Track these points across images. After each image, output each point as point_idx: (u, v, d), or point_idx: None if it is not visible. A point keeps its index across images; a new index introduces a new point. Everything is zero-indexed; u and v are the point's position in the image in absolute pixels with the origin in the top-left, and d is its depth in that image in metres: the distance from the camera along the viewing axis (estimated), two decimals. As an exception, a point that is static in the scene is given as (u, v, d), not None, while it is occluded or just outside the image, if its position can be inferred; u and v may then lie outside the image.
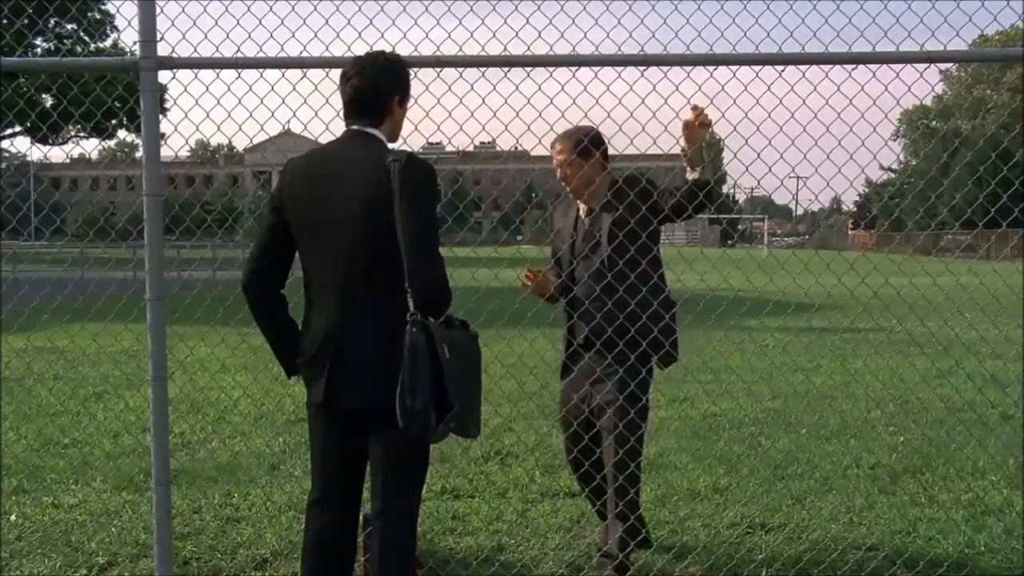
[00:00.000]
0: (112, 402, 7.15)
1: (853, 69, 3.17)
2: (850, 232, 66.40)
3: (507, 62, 3.11)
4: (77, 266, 21.54)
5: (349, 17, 3.44)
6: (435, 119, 3.50)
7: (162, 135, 3.31)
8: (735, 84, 3.26)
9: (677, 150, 3.53)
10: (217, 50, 3.15)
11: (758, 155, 3.40)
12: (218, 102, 3.42)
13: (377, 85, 2.72)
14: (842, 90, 3.26)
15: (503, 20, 3.38)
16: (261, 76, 3.29)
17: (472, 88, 3.44)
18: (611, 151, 3.77)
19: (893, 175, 63.21)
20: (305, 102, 3.35)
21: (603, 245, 3.65)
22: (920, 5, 3.33)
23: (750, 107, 3.35)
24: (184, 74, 3.27)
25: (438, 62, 3.10)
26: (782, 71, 3.16)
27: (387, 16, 3.46)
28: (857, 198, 66.27)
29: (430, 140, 4.41)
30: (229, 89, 3.34)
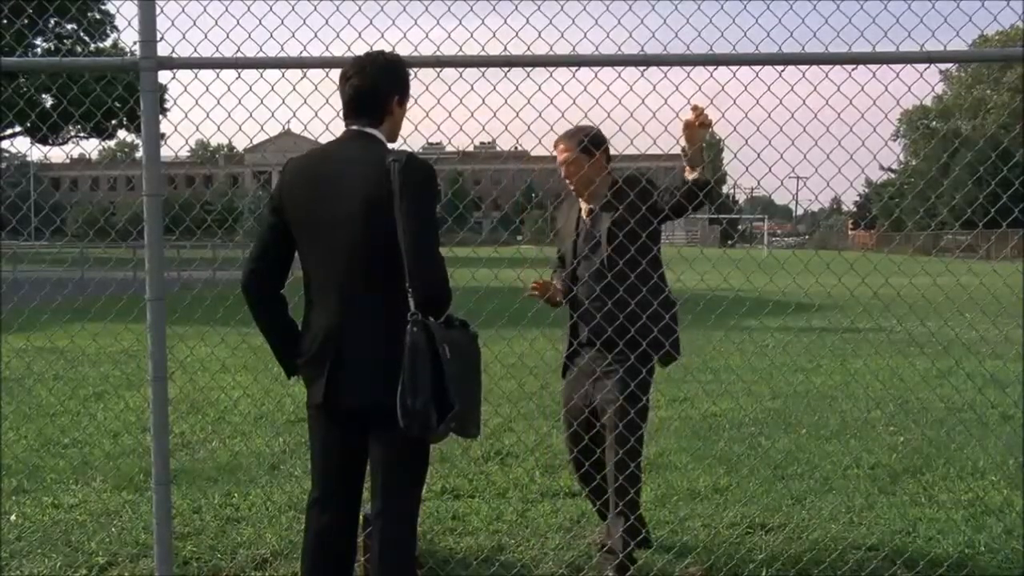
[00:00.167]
0: (112, 402, 7.15)
1: (853, 69, 3.18)
2: (850, 232, 66.41)
3: (507, 62, 3.11)
4: (77, 266, 21.55)
5: (349, 17, 3.44)
6: (435, 119, 3.50)
7: (162, 135, 3.32)
8: (735, 84, 3.27)
9: (677, 150, 3.53)
10: (217, 50, 3.15)
11: (758, 155, 3.40)
12: (218, 102, 3.42)
13: (377, 85, 2.72)
14: (842, 90, 3.26)
15: (503, 20, 3.38)
16: (261, 76, 3.29)
17: (472, 88, 3.45)
18: (611, 151, 3.78)
19: (893, 175, 63.22)
20: (305, 102, 3.35)
21: (603, 245, 3.66)
22: (920, 5, 3.33)
23: (750, 107, 3.35)
24: (184, 74, 3.27)
25: (438, 62, 3.10)
26: (782, 71, 3.17)
27: (387, 16, 3.46)
28: (857, 198, 66.30)
29: (430, 140, 4.40)
30: (229, 89, 3.34)
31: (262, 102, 3.45)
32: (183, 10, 3.29)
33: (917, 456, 5.51)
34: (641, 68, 3.17)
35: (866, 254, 21.59)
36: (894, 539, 4.12)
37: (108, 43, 35.28)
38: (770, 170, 3.54)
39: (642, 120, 3.44)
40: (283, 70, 3.16)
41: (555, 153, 3.77)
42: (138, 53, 3.04)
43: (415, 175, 2.55)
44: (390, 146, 2.73)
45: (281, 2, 3.30)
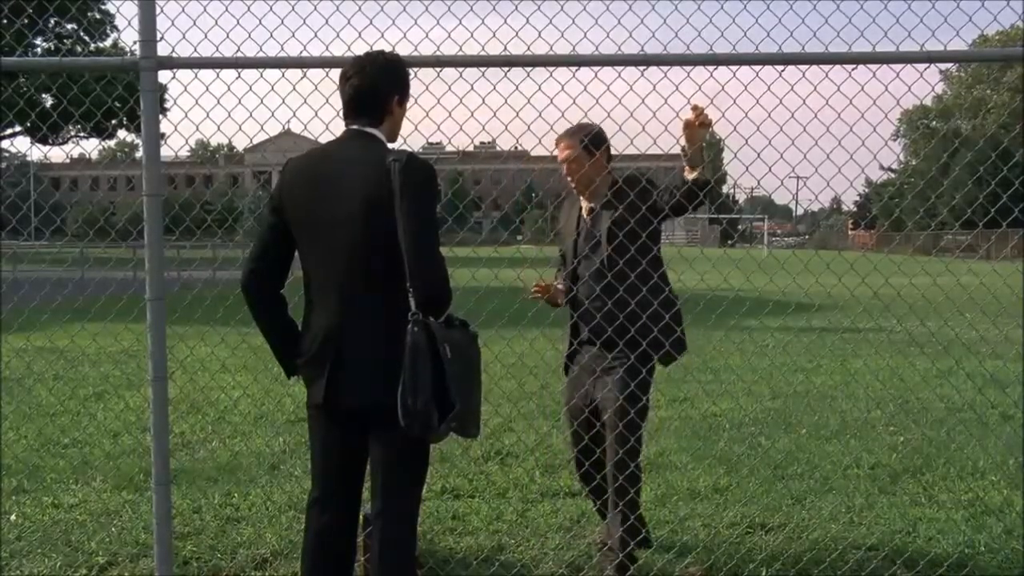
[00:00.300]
0: (112, 402, 7.15)
1: (853, 69, 3.18)
2: (850, 232, 66.41)
3: (507, 62, 3.11)
4: (77, 266, 21.56)
5: (349, 17, 3.44)
6: (435, 119, 3.50)
7: (162, 135, 3.32)
8: (735, 84, 3.27)
9: (677, 150, 3.53)
10: (217, 50, 3.15)
11: (758, 155, 3.40)
12: (218, 102, 3.42)
13: (376, 85, 2.72)
14: (842, 90, 3.26)
15: (503, 20, 3.38)
16: (261, 76, 3.29)
17: (472, 88, 3.44)
18: (612, 151, 3.78)
19: (893, 175, 63.22)
20: (305, 102, 3.36)
21: (603, 245, 3.66)
22: (920, 5, 3.33)
23: (750, 107, 3.35)
24: (184, 74, 3.27)
25: (438, 62, 3.10)
26: (782, 71, 3.17)
27: (387, 16, 3.46)
28: (857, 198, 66.29)
29: (430, 140, 4.41)
30: (229, 89, 3.34)
31: (262, 102, 3.45)
32: (183, 10, 3.29)
33: (917, 456, 5.51)
34: (641, 68, 3.17)
35: (866, 254, 21.60)
36: (894, 539, 4.12)
37: (108, 43, 35.29)
38: (770, 170, 3.55)
39: (642, 120, 3.45)
40: (283, 70, 3.16)
41: (556, 151, 3.77)
42: (138, 53, 3.04)
43: (415, 175, 2.55)
44: (390, 146, 2.73)
45: (281, 2, 3.31)
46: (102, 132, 37.51)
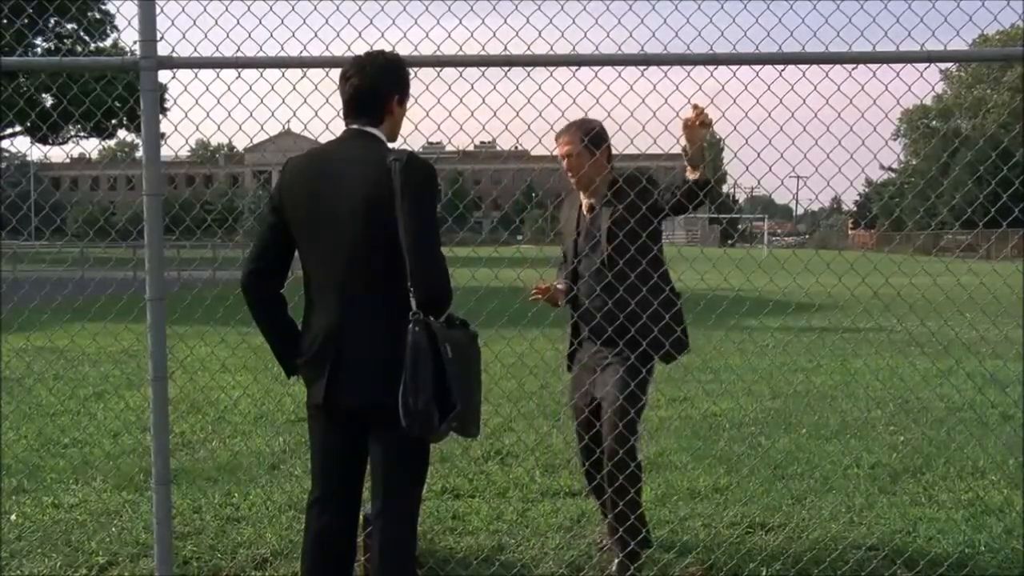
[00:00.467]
0: (112, 402, 7.15)
1: (853, 69, 3.18)
2: (850, 232, 66.43)
3: (507, 62, 3.11)
4: (77, 266, 21.56)
5: (349, 17, 3.44)
6: (435, 119, 3.50)
7: (162, 135, 3.31)
8: (735, 84, 3.27)
9: (677, 150, 3.53)
10: (217, 50, 3.15)
11: (758, 155, 3.40)
12: (218, 102, 3.42)
13: (376, 84, 2.71)
14: (842, 90, 3.26)
15: (503, 20, 3.38)
16: (261, 76, 3.30)
17: (472, 88, 3.44)
18: (612, 150, 3.78)
19: (893, 175, 63.22)
20: (305, 102, 3.36)
21: (602, 244, 3.66)
22: (920, 5, 3.33)
23: (750, 107, 3.35)
24: (184, 74, 3.27)
25: (438, 62, 3.10)
26: (782, 71, 3.17)
27: (387, 16, 3.47)
28: (857, 198, 66.22)
29: (430, 140, 4.41)
30: (229, 89, 3.34)
31: (262, 102, 3.46)
32: (183, 10, 3.29)
33: (917, 456, 5.51)
34: (641, 68, 3.17)
35: (866, 254, 21.59)
36: (894, 539, 4.11)
37: (108, 43, 35.27)
38: (770, 170, 3.55)
39: (642, 120, 3.45)
40: (283, 70, 3.16)
41: (556, 149, 3.76)
42: (138, 53, 3.04)
43: (416, 175, 2.55)
44: (390, 145, 2.73)
45: (281, 2, 3.31)
46: (102, 132, 37.51)
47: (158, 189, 3.09)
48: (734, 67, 3.18)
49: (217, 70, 3.19)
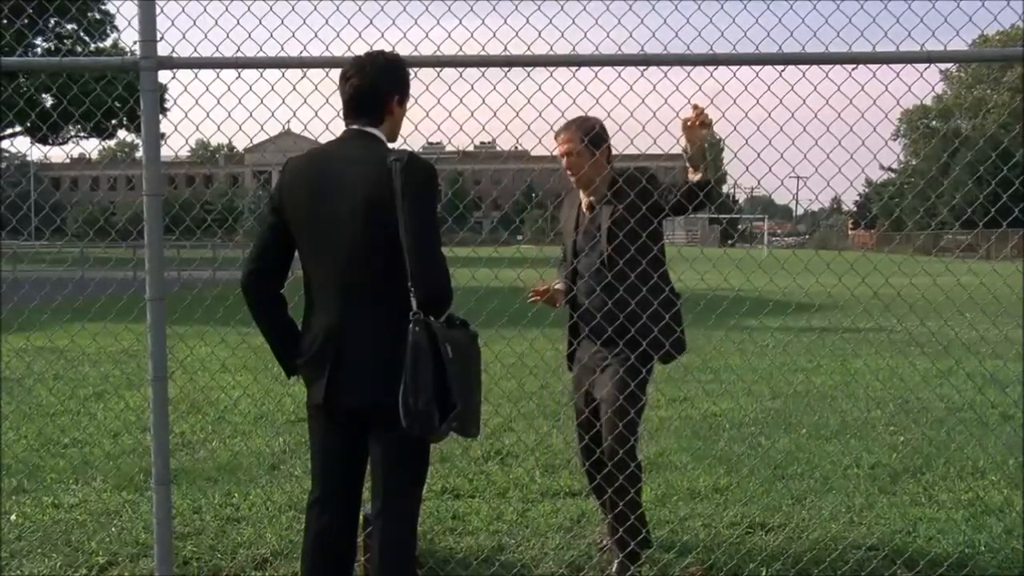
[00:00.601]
0: (112, 402, 7.15)
1: (853, 69, 3.18)
2: (850, 232, 66.43)
3: (507, 62, 3.11)
4: (77, 266, 21.56)
5: (349, 17, 3.44)
6: (435, 119, 3.50)
7: (162, 135, 3.32)
8: (735, 84, 3.27)
9: (677, 150, 3.53)
10: (217, 50, 3.15)
11: (758, 155, 3.40)
12: (218, 102, 3.42)
13: (376, 85, 2.71)
14: (842, 90, 3.26)
15: (503, 20, 3.38)
16: (261, 76, 3.30)
17: (472, 88, 3.45)
18: (612, 151, 3.77)
19: (893, 175, 63.20)
20: (305, 102, 3.36)
21: (602, 244, 3.65)
22: (920, 5, 3.33)
23: (750, 107, 3.35)
24: (184, 74, 3.28)
25: (438, 62, 3.10)
26: (782, 71, 3.17)
27: (387, 16, 3.47)
28: (857, 198, 66.24)
29: (430, 140, 4.41)
30: (229, 89, 3.34)
31: (262, 102, 3.46)
32: (183, 10, 3.29)
33: (917, 456, 5.51)
34: (641, 68, 3.17)
35: (866, 254, 21.60)
36: (894, 539, 4.12)
37: (108, 43, 35.28)
38: (770, 170, 3.55)
39: (642, 120, 3.45)
40: (283, 70, 3.16)
41: (555, 147, 3.74)
42: (138, 53, 3.04)
43: (416, 175, 2.55)
44: (390, 146, 2.73)
45: (281, 2, 3.31)
46: (102, 132, 37.50)
47: (158, 189, 3.09)
48: (734, 67, 3.19)
49: (217, 70, 3.19)
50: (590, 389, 3.79)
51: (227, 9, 3.31)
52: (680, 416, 6.76)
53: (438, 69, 3.14)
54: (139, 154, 3.14)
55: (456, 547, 4.02)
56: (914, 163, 57.73)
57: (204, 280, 17.77)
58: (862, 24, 3.29)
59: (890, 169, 62.82)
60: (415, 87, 2.88)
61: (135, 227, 3.43)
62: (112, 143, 62.52)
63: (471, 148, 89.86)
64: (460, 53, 3.15)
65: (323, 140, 2.86)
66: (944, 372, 8.19)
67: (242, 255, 16.02)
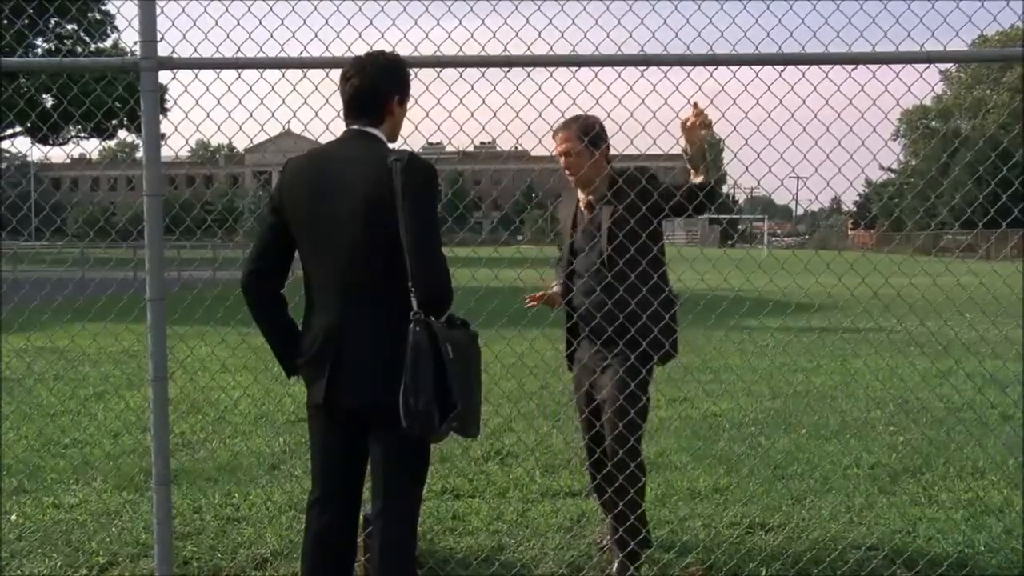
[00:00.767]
0: (112, 402, 7.15)
1: (853, 69, 3.18)
2: (850, 232, 66.41)
3: (507, 62, 3.11)
4: (78, 266, 21.55)
5: (349, 17, 3.44)
6: (435, 119, 3.50)
7: (162, 135, 3.32)
8: (735, 84, 3.27)
9: (677, 150, 3.53)
10: (217, 50, 3.15)
11: (758, 155, 3.40)
12: (218, 102, 3.43)
13: (377, 85, 2.72)
14: (842, 90, 3.26)
15: (503, 20, 3.38)
16: (261, 76, 3.30)
17: (472, 88, 3.45)
18: (611, 151, 3.77)
19: (893, 175, 63.20)
20: (305, 102, 3.36)
21: (602, 244, 3.65)
22: (920, 5, 3.34)
23: (750, 107, 3.36)
24: (184, 74, 3.28)
25: (438, 62, 3.10)
26: (782, 71, 3.17)
27: (387, 16, 3.47)
28: (857, 198, 66.30)
29: (430, 140, 4.41)
30: (229, 89, 3.34)
31: (262, 102, 3.46)
32: (183, 10, 3.30)
33: (917, 456, 5.51)
34: (641, 68, 3.17)
35: (866, 254, 21.60)
36: (894, 539, 4.12)
37: (108, 43, 35.29)
38: (770, 170, 3.55)
39: (642, 120, 3.45)
40: (283, 70, 3.16)
41: (554, 146, 3.73)
42: (138, 53, 3.04)
43: (417, 175, 2.55)
44: (391, 146, 2.73)
45: (281, 2, 3.31)
46: (102, 132, 37.52)
47: (158, 189, 3.09)
48: (734, 68, 3.19)
49: (217, 71, 3.19)
50: (590, 389, 3.79)
51: (227, 9, 3.31)
52: (680, 416, 6.76)
53: (438, 69, 3.14)
54: (139, 154, 3.14)
55: (456, 547, 4.02)
56: (914, 163, 57.73)
57: (204, 280, 17.78)
58: (862, 24, 3.29)
59: (890, 169, 62.83)
60: (415, 87, 2.89)
61: (135, 227, 3.43)
62: (112, 143, 62.64)
63: (471, 148, 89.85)
64: (460, 53, 3.15)
65: (323, 140, 2.86)
66: (944, 372, 8.19)
67: (242, 255, 16.01)
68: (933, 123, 63.15)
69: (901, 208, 46.80)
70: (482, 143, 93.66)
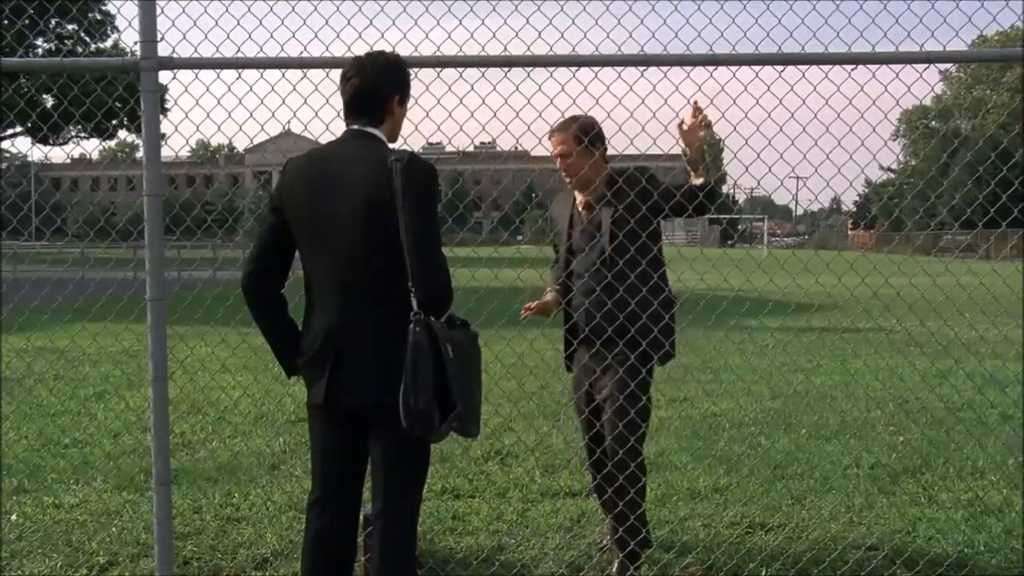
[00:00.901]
0: (112, 402, 7.15)
1: (853, 69, 3.18)
2: (850, 232, 66.41)
3: (507, 62, 3.11)
4: (78, 266, 21.56)
5: (349, 17, 3.44)
6: (435, 119, 3.50)
7: (163, 135, 3.32)
8: (735, 84, 3.27)
9: (677, 150, 3.53)
10: (217, 50, 3.15)
11: (758, 155, 3.41)
12: (218, 102, 3.43)
13: (377, 85, 2.72)
14: (842, 90, 3.26)
15: (503, 20, 3.38)
16: (261, 76, 3.30)
17: (472, 88, 3.45)
18: (611, 151, 3.77)
19: (893, 175, 63.21)
20: (305, 102, 3.36)
21: (602, 244, 3.65)
22: (920, 5, 3.34)
23: (750, 108, 3.36)
24: (185, 74, 3.28)
25: (438, 62, 3.10)
26: (782, 71, 3.17)
27: (387, 16, 3.47)
28: (857, 198, 66.31)
29: (430, 140, 4.41)
30: (229, 89, 3.34)
31: (262, 102, 3.46)
32: (183, 10, 3.30)
33: (917, 456, 5.52)
34: (641, 68, 3.17)
35: (866, 254, 21.60)
36: (894, 539, 4.12)
37: (109, 43, 35.28)
38: (770, 170, 3.55)
39: (642, 120, 3.45)
40: (283, 70, 3.16)
41: (551, 146, 3.73)
42: (139, 53, 3.04)
43: (417, 175, 2.55)
44: (391, 146, 2.73)
45: (281, 2, 3.31)
46: (103, 132, 37.54)
47: (158, 190, 3.10)
48: (734, 68, 3.19)
49: (217, 71, 3.19)
50: (590, 389, 3.79)
51: (227, 10, 3.31)
52: (680, 416, 6.77)
53: (438, 69, 3.14)
54: (139, 154, 3.14)
55: (456, 547, 4.03)
56: (913, 163, 57.73)
57: (204, 280, 17.78)
58: (861, 25, 3.29)
59: (889, 169, 62.84)
60: (415, 87, 2.89)
61: (135, 227, 3.43)
62: (112, 143, 62.64)
63: (471, 148, 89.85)
64: (460, 53, 3.15)
65: (323, 140, 2.86)
66: (943, 372, 8.19)
67: (242, 255, 16.02)
68: (933, 123, 63.15)
69: (901, 208, 46.80)
70: (482, 143, 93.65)
